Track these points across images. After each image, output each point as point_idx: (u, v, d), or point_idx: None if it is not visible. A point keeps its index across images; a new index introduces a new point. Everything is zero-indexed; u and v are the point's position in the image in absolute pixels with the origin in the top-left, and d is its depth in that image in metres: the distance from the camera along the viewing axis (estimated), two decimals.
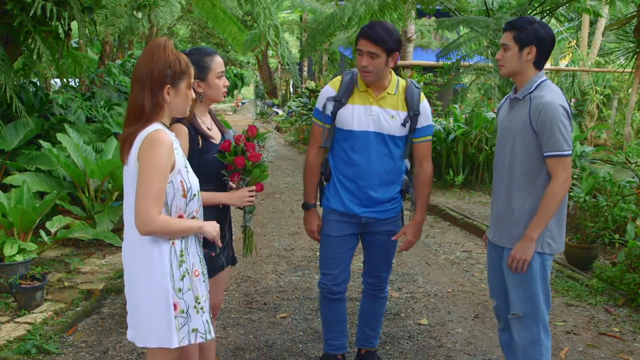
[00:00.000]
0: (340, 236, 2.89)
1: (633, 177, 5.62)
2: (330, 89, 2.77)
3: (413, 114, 2.71)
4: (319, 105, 2.81)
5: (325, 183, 2.95)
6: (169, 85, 1.98)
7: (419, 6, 9.61)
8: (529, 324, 2.51)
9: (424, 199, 2.88)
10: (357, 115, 2.71)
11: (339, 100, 2.72)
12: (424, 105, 2.77)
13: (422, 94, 2.77)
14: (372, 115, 2.70)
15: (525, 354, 2.53)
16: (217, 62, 2.44)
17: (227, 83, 2.52)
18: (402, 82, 2.78)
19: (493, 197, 2.66)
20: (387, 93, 2.72)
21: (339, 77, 2.79)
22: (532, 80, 2.45)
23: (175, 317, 1.99)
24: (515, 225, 2.48)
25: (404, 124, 2.71)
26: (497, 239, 2.59)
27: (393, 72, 2.76)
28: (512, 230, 2.50)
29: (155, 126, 1.97)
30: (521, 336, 2.53)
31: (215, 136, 2.49)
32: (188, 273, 2.03)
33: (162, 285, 1.97)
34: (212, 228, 2.13)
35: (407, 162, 2.91)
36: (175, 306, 1.99)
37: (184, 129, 2.31)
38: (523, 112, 2.43)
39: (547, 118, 2.34)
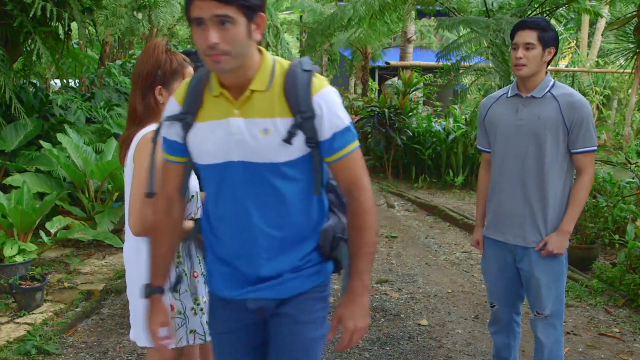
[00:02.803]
0: (227, 332, 1.78)
1: (633, 178, 5.62)
2: (173, 102, 1.65)
3: (302, 118, 1.54)
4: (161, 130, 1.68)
5: None
6: (160, 86, 1.97)
7: (419, 7, 9.61)
8: (554, 323, 2.54)
9: (360, 250, 1.64)
10: (213, 138, 1.58)
11: (183, 120, 1.61)
12: (324, 97, 1.56)
13: (319, 79, 1.59)
14: (234, 133, 1.55)
15: (551, 353, 2.55)
16: None
17: None
18: (281, 66, 1.60)
19: (501, 198, 2.56)
20: (253, 90, 1.55)
21: (186, 81, 1.67)
22: (546, 79, 2.48)
23: (172, 318, 1.99)
24: (548, 222, 2.47)
25: (288, 140, 1.54)
26: (521, 240, 2.51)
27: (265, 52, 1.61)
28: (543, 229, 2.47)
29: (151, 127, 1.96)
30: (547, 335, 2.54)
31: None
32: (186, 274, 2.03)
33: None
34: None
35: (325, 198, 1.75)
36: (172, 307, 2.00)
37: None
38: (548, 110, 2.42)
39: (583, 115, 2.39)
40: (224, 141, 1.57)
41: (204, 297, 2.09)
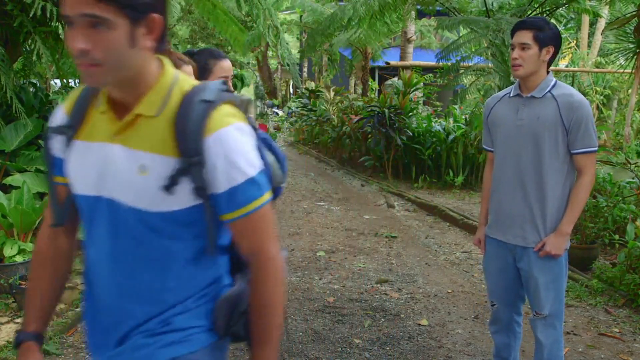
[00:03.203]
0: None
1: (633, 178, 5.62)
2: (60, 111, 1.36)
3: (188, 163, 1.19)
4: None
5: None
6: None
7: (419, 7, 9.62)
8: (553, 323, 2.54)
9: (261, 335, 1.32)
10: (88, 164, 1.27)
11: (65, 134, 1.31)
12: (220, 140, 1.20)
13: (221, 115, 1.22)
14: (110, 163, 1.24)
15: (550, 353, 2.56)
16: (220, 66, 2.38)
17: (231, 89, 2.49)
18: (180, 89, 1.24)
19: (501, 197, 2.58)
20: (139, 115, 1.22)
21: (80, 87, 1.37)
22: (547, 79, 2.47)
23: None
24: (547, 223, 2.46)
25: (168, 187, 1.19)
26: (521, 240, 2.52)
27: (167, 65, 1.27)
28: (542, 229, 2.47)
29: None
30: (547, 336, 2.55)
31: None
32: None
33: None
34: None
35: (223, 260, 1.37)
36: None
37: None
38: (547, 110, 2.42)
39: (582, 115, 2.38)
40: (98, 170, 1.24)
41: None
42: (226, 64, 2.40)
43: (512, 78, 6.69)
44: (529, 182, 2.47)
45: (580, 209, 2.46)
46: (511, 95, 2.57)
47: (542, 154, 2.43)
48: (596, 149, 2.43)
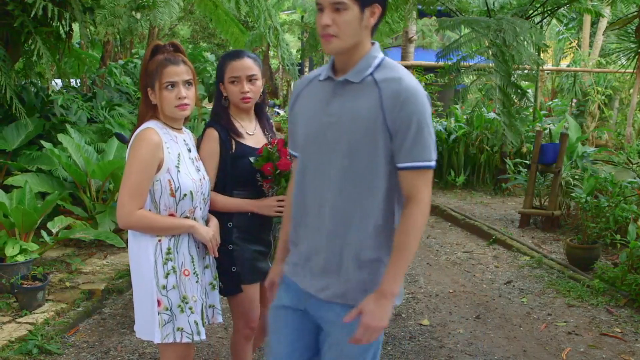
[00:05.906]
0: None
1: (634, 178, 5.62)
2: None
3: None
4: None
5: None
6: (149, 88, 2.06)
7: (420, 6, 9.61)
8: None
9: None
10: None
11: None
12: None
13: None
14: None
15: None
16: (232, 67, 2.29)
17: (245, 89, 2.28)
18: None
19: (298, 225, 1.75)
20: None
21: None
22: (369, 55, 1.63)
23: (158, 314, 2.03)
24: (357, 270, 1.64)
25: None
26: (322, 290, 1.67)
27: None
28: (352, 279, 1.65)
29: (147, 124, 2.06)
30: None
31: (257, 141, 2.36)
32: (175, 271, 2.05)
33: (146, 281, 2.03)
34: (205, 232, 2.14)
35: None
36: (159, 302, 2.03)
37: (213, 133, 2.28)
38: (365, 102, 1.59)
39: (413, 113, 1.55)
40: None
41: (194, 296, 2.10)
42: (238, 64, 2.30)
43: (511, 78, 6.64)
44: (331, 208, 1.64)
45: (411, 255, 1.59)
46: (322, 78, 1.71)
47: (354, 167, 1.60)
48: (432, 164, 1.59)
